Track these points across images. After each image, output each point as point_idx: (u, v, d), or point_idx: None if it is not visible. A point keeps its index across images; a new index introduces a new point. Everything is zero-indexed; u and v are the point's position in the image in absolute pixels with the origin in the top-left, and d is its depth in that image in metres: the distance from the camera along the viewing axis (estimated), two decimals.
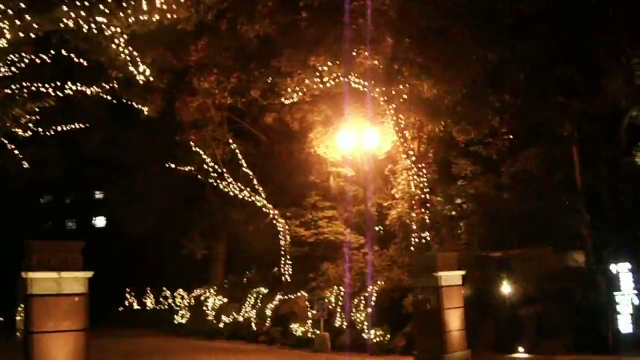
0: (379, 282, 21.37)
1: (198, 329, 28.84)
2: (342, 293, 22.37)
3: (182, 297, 33.94)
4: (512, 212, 23.47)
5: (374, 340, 19.52)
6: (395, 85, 20.82)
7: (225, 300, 28.69)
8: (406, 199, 23.32)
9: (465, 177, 24.22)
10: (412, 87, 20.40)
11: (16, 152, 23.73)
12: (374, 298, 20.92)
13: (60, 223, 57.78)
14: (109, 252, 44.89)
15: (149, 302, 41.91)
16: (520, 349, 17.44)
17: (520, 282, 19.24)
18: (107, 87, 21.59)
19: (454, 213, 24.48)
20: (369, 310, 20.67)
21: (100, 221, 56.86)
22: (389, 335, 19.46)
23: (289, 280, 26.62)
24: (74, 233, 55.58)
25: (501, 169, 24.03)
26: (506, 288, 18.87)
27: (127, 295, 43.99)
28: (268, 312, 25.19)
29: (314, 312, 22.04)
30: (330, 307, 21.79)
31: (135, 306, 43.33)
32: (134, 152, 31.10)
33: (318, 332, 21.35)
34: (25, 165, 24.68)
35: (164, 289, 38.77)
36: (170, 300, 37.88)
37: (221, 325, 27.54)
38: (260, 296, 26.56)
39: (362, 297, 21.29)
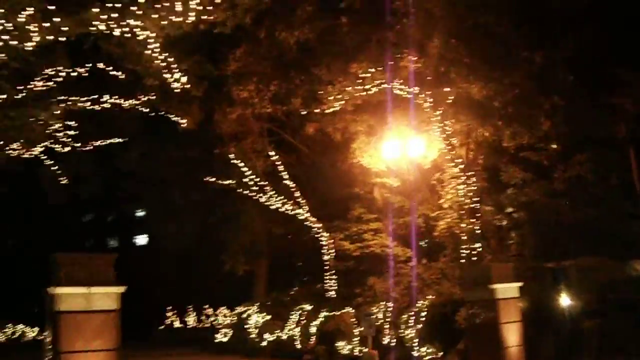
0: (428, 297, 20.42)
1: (240, 347, 28.14)
2: (389, 308, 21.46)
3: (225, 315, 33.43)
4: (566, 220, 22.59)
5: (425, 358, 18.55)
6: (442, 88, 19.90)
7: (268, 317, 27.94)
8: (455, 208, 22.42)
9: (515, 185, 23.33)
10: (461, 89, 19.49)
11: (53, 167, 23.40)
12: (423, 313, 19.97)
13: (101, 241, 57.92)
14: (150, 270, 45.96)
15: (191, 321, 41.53)
16: None
17: (580, 293, 18.14)
18: (144, 98, 21.15)
19: (504, 223, 23.51)
20: (419, 326, 19.75)
21: (141, 239, 56.95)
22: (441, 353, 18.53)
23: (334, 296, 25.78)
24: (115, 251, 54.59)
25: (553, 176, 23.10)
26: (565, 300, 17.81)
27: (168, 314, 43.49)
28: (312, 330, 24.39)
29: (361, 329, 21.17)
30: (378, 323, 20.86)
31: (177, 325, 42.87)
32: (172, 167, 30.65)
33: (366, 350, 20.46)
34: (64, 181, 24.36)
35: (206, 307, 38.37)
36: (212, 319, 37.48)
37: (264, 343, 26.80)
38: (305, 313, 25.76)
39: (411, 313, 20.36)
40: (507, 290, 16.11)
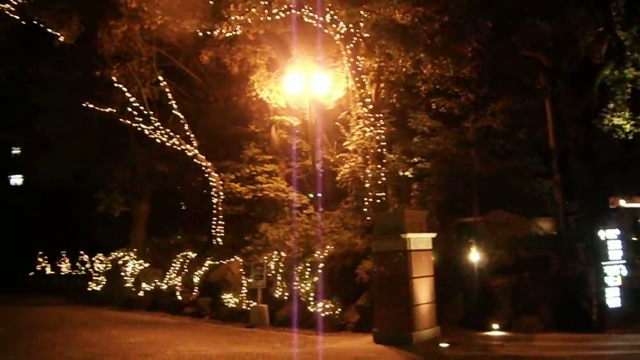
0: (327, 247, 18.24)
1: (115, 297, 25.36)
2: (282, 259, 19.23)
3: (101, 262, 30.21)
4: (474, 173, 21.11)
5: (322, 315, 16.48)
6: (359, 11, 17.53)
7: (147, 265, 25.28)
8: (359, 152, 20.35)
9: (423, 133, 21.47)
10: (382, 15, 17.14)
11: None
12: (321, 265, 17.83)
13: None
14: (23, 213, 43.10)
15: (64, 267, 37.98)
16: (495, 325, 14.77)
17: (491, 249, 16.53)
18: (15, 3, 17.55)
19: (408, 173, 21.66)
20: (315, 279, 17.63)
21: (16, 179, 52.10)
22: (339, 309, 16.50)
23: (220, 243, 23.28)
24: None
25: (464, 125, 21.44)
26: (474, 256, 16.09)
27: (40, 259, 39.78)
28: (196, 280, 21.93)
29: (250, 280, 18.96)
30: (269, 274, 18.59)
31: (49, 271, 39.22)
32: (47, 89, 26.55)
33: (254, 304, 18.25)
34: None
35: (81, 252, 35.01)
36: (87, 266, 34.20)
37: (141, 293, 24.11)
38: (187, 261, 23.26)
39: (307, 264, 18.19)
40: (420, 241, 14.21)
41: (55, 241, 38.73)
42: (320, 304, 16.72)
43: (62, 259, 38.18)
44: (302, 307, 17.44)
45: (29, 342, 14.80)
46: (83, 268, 34.88)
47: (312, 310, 16.98)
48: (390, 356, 12.46)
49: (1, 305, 26.21)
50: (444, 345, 13.22)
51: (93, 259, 32.44)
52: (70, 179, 29.54)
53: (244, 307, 19.00)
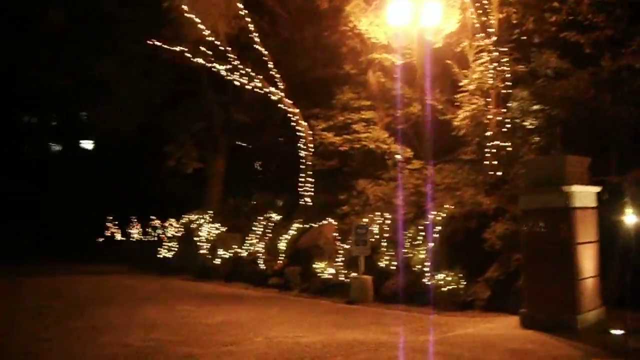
0: (446, 207, 15.28)
1: (188, 266, 23.23)
2: (388, 221, 16.41)
3: (173, 227, 28.27)
4: (613, 122, 17.55)
5: (442, 290, 13.61)
6: None
7: (224, 229, 22.87)
8: (480, 93, 17.19)
9: (547, 76, 18.03)
10: None
11: None
12: (438, 228, 14.93)
13: (44, 146, 52.57)
14: (95, 177, 42.58)
15: (135, 233, 36.50)
16: None
17: None
18: None
19: (528, 123, 18.37)
20: (431, 245, 14.75)
21: (87, 144, 51.86)
22: (463, 283, 13.57)
23: (310, 203, 20.58)
24: (59, 156, 51.46)
25: (601, 64, 17.87)
26: (630, 219, 12.79)
27: (109, 225, 38.47)
28: (281, 246, 19.43)
29: (348, 246, 16.16)
30: (372, 239, 15.77)
31: (119, 237, 37.87)
32: (108, 29, 24.18)
33: (355, 274, 15.52)
34: None
35: (153, 218, 33.33)
36: (160, 231, 32.49)
37: (217, 261, 21.80)
38: (271, 225, 20.70)
39: (420, 227, 15.30)
40: (585, 195, 11.21)
41: (125, 205, 37.44)
42: (439, 276, 13.89)
43: (133, 224, 36.68)
44: (414, 279, 14.72)
45: (83, 321, 12.59)
46: (154, 234, 33.35)
47: (428, 283, 14.20)
48: (555, 348, 9.51)
49: (66, 274, 24.59)
50: (617, 332, 10.15)
51: (165, 223, 30.73)
52: (134, 130, 27.33)
53: (341, 278, 16.38)
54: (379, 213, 16.80)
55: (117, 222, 38.43)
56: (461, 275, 13.71)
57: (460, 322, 11.97)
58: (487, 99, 17.25)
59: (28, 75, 28.66)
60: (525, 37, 18.42)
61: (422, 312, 13.33)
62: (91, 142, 50.74)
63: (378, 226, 16.37)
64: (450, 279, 13.68)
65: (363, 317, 12.82)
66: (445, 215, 15.14)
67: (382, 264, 15.65)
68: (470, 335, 10.51)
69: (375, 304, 14.65)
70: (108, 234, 38.93)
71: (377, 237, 16.14)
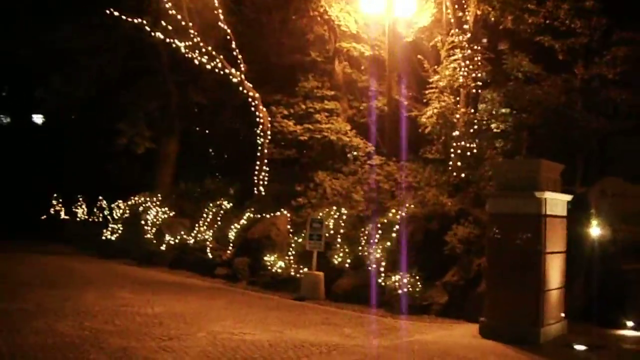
0: (406, 206, 14.64)
1: (132, 250, 22.12)
2: (345, 216, 15.70)
3: (119, 208, 27.03)
4: (584, 130, 17.14)
5: (397, 292, 12.98)
6: None
7: (172, 214, 21.86)
8: (449, 91, 16.66)
9: (517, 79, 17.57)
10: None
11: None
12: (396, 227, 14.28)
13: None
14: (44, 154, 40.57)
15: (80, 213, 35.00)
16: (629, 322, 11.38)
17: (616, 224, 12.84)
18: None
19: (494, 125, 17.92)
20: (388, 244, 14.11)
21: (38, 119, 49.97)
22: (420, 285, 12.92)
23: (263, 193, 19.76)
24: (7, 129, 49.00)
25: (575, 71, 17.43)
26: (594, 231, 12.42)
27: (54, 202, 36.89)
28: (231, 235, 18.57)
29: (302, 240, 15.49)
30: (327, 235, 15.05)
31: (63, 216, 36.29)
32: None
33: (307, 270, 14.77)
34: None
35: (100, 198, 31.96)
36: (106, 212, 31.14)
37: (163, 247, 20.79)
38: (222, 212, 19.81)
39: (377, 226, 14.63)
40: (556, 203, 10.69)
41: (73, 183, 35.86)
42: (394, 277, 13.24)
43: (79, 203, 35.21)
44: (368, 278, 14.00)
45: (14, 303, 11.59)
46: (101, 214, 32.03)
47: (383, 284, 13.52)
48: None
49: (3, 252, 23.23)
50: (580, 347, 9.73)
51: (112, 205, 29.46)
52: (86, 104, 26.02)
53: (291, 272, 15.65)
54: (335, 207, 16.09)
55: (62, 201, 36.81)
56: (418, 277, 13.10)
57: (416, 327, 11.37)
58: (457, 98, 16.75)
59: None
60: (499, 37, 18.05)
61: (376, 313, 12.75)
62: (41, 116, 49.12)
63: (334, 221, 15.64)
64: (406, 280, 13.04)
65: (313, 316, 12.11)
66: (405, 214, 14.49)
67: (335, 261, 14.93)
68: (427, 343, 9.88)
69: (326, 302, 13.96)
70: (52, 212, 37.31)
71: (332, 232, 15.40)
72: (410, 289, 12.93)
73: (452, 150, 15.99)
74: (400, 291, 12.98)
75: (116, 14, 19.91)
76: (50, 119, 44.46)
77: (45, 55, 25.32)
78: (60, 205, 36.82)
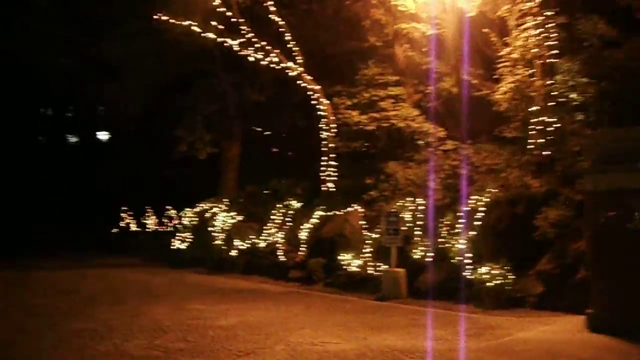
0: (488, 190, 13.53)
1: (202, 257, 21.64)
2: (422, 207, 14.69)
3: (187, 217, 26.70)
4: None
5: (486, 285, 11.89)
6: None
7: (240, 218, 21.23)
8: (523, 63, 15.39)
9: (592, 45, 16.16)
10: None
11: None
12: (479, 214, 13.19)
13: (60, 137, 51.91)
14: (111, 168, 41.47)
15: (150, 223, 35.06)
16: None
17: None
18: None
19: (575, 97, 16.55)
20: (472, 233, 13.02)
21: (104, 136, 51.19)
22: (510, 276, 11.80)
23: (333, 189, 18.89)
24: (75, 148, 50.95)
25: None
26: None
27: (124, 215, 37.07)
28: (303, 236, 17.78)
29: (378, 235, 14.55)
30: (404, 228, 14.07)
31: (134, 228, 36.43)
32: (107, 3, 22.38)
33: (386, 267, 13.85)
34: None
35: (168, 207, 31.89)
36: (175, 221, 30.98)
37: (234, 253, 20.17)
38: (291, 212, 19.09)
39: (458, 214, 13.59)
40: None
41: (140, 195, 36.07)
42: (482, 269, 12.18)
43: (148, 214, 35.27)
44: (453, 272, 13.03)
45: (82, 322, 10.99)
46: (170, 224, 31.90)
47: (470, 277, 12.47)
48: None
49: (76, 267, 23.17)
50: None
51: (180, 213, 29.23)
52: (143, 113, 25.70)
53: (369, 271, 14.71)
54: (410, 198, 15.12)
55: (132, 213, 36.99)
56: (508, 268, 12.01)
57: (512, 324, 10.32)
58: (531, 70, 15.50)
59: (30, 57, 27.08)
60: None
61: (465, 310, 11.77)
62: (107, 133, 50.12)
63: (410, 213, 14.66)
64: (495, 272, 11.97)
65: (398, 317, 11.18)
66: (487, 200, 13.41)
67: (415, 256, 13.95)
68: (529, 341, 8.83)
69: (409, 301, 13.06)
70: (123, 224, 37.51)
71: (410, 225, 14.42)
72: (500, 281, 11.87)
73: (531, 127, 14.79)
74: (489, 284, 11.93)
75: (164, 18, 19.37)
76: (114, 134, 45.48)
77: (95, 66, 25.14)
78: (131, 217, 37.00)
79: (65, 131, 52.54)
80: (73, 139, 53.52)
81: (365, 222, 16.15)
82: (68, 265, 24.26)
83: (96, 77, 25.77)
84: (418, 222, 14.52)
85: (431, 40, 19.25)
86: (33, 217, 47.30)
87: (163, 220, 33.13)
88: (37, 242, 38.59)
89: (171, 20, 19.40)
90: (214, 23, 19.43)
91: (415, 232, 14.32)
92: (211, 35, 19.35)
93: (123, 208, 37.15)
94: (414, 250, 14.00)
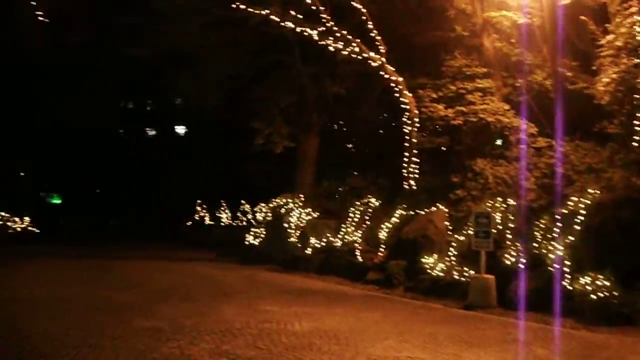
0: (589, 192, 12.26)
1: (276, 254, 21.06)
2: (513, 208, 13.53)
3: (261, 211, 26.20)
4: None
5: (588, 297, 10.66)
6: None
7: (316, 215, 20.50)
8: (625, 53, 14.01)
9: None
10: None
11: None
12: (580, 218, 11.94)
13: (140, 130, 54.61)
14: (187, 161, 43.08)
15: (224, 218, 34.84)
16: None
17: None
18: None
19: None
20: (571, 238, 11.77)
21: (181, 129, 52.83)
22: (617, 289, 10.51)
23: (414, 187, 17.85)
24: (153, 140, 53.54)
25: None
26: None
27: (198, 208, 37.03)
28: (382, 236, 16.81)
29: (464, 238, 13.48)
30: (494, 231, 12.94)
31: (208, 221, 36.30)
32: None
33: (474, 273, 12.74)
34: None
35: (242, 202, 31.58)
36: (249, 216, 30.64)
37: (308, 251, 19.46)
38: (370, 210, 18.10)
39: (555, 217, 12.34)
40: None
41: (215, 189, 36.11)
42: (583, 280, 10.95)
43: (222, 208, 35.04)
44: (548, 281, 11.81)
45: (150, 320, 10.41)
46: (244, 218, 31.56)
47: (569, 287, 11.26)
48: None
49: (148, 259, 23.04)
50: None
51: (255, 208, 28.76)
52: (220, 104, 25.28)
53: (455, 276, 13.65)
54: (501, 199, 13.96)
55: (206, 206, 36.92)
56: (614, 279, 10.75)
57: (622, 344, 9.17)
58: (637, 59, 14.10)
59: (109, 48, 27.14)
60: None
61: (564, 325, 10.54)
62: (184, 127, 51.16)
63: (501, 215, 13.52)
64: (599, 283, 10.74)
65: (490, 330, 10.09)
66: (589, 202, 12.15)
67: (507, 261, 12.80)
68: None
69: (499, 311, 11.94)
70: (197, 218, 37.46)
71: (500, 228, 13.29)
72: (606, 294, 10.64)
73: (638, 122, 13.43)
74: (593, 296, 10.71)
75: (242, 7, 18.75)
76: (190, 127, 45.88)
77: (172, 58, 24.86)
78: (205, 211, 36.90)
79: (144, 124, 53.69)
80: (151, 132, 54.65)
81: (450, 223, 15.08)
82: (141, 256, 24.29)
83: (174, 69, 25.53)
84: (509, 225, 13.37)
85: (521, 29, 18.06)
86: (110, 208, 48.43)
87: (237, 214, 32.92)
88: (113, 233, 39.20)
89: (249, 9, 18.80)
90: (292, 12, 18.76)
91: (507, 236, 13.17)
92: (290, 24, 18.64)
93: (198, 201, 37.17)
94: (505, 256, 12.85)
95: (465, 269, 13.41)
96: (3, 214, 40.74)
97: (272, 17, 18.76)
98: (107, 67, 36.39)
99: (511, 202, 13.78)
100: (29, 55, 29.16)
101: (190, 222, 37.64)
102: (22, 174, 50.85)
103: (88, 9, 21.84)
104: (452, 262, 13.95)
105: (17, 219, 42.03)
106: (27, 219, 42.94)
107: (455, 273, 13.71)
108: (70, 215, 48.36)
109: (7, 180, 44.36)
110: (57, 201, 54.25)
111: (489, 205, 13.92)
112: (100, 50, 29.38)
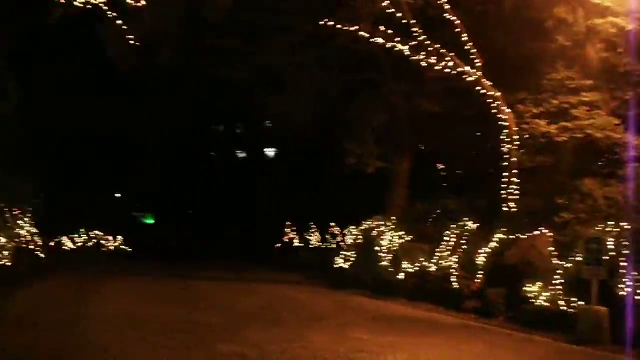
0: None
1: (366, 279, 20.32)
2: (627, 233, 12.34)
3: (352, 234, 25.59)
4: None
5: None
6: None
7: (409, 238, 19.62)
8: None
9: None
10: None
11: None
12: None
13: (230, 153, 55.72)
14: (276, 183, 43.60)
15: (314, 240, 34.56)
16: None
17: None
18: None
19: None
20: None
21: (271, 152, 53.05)
22: None
23: (515, 209, 16.77)
24: (243, 163, 54.69)
25: None
26: None
27: (287, 230, 36.87)
28: (480, 261, 15.77)
29: (571, 265, 12.37)
30: (607, 257, 11.78)
31: (297, 244, 36.07)
32: (274, 12, 21.69)
33: (584, 304, 11.59)
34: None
35: (332, 224, 31.12)
36: (339, 239, 30.16)
37: (401, 276, 18.55)
38: (467, 234, 17.14)
39: None
40: None
41: (304, 210, 35.80)
42: None
43: (311, 230, 34.71)
44: None
45: (233, 345, 9.84)
46: (334, 241, 31.07)
47: None
48: None
49: (235, 280, 22.83)
50: None
51: (345, 230, 28.20)
52: (310, 124, 24.93)
53: (561, 307, 12.49)
54: (613, 223, 12.75)
55: (295, 228, 36.68)
56: None
57: None
58: None
59: (202, 70, 27.40)
60: None
61: None
62: (274, 150, 51.38)
63: (614, 240, 12.31)
64: None
65: None
66: None
67: (621, 292, 11.59)
68: None
69: (613, 348, 10.85)
70: (286, 240, 37.27)
71: (614, 254, 12.09)
72: None
73: None
74: None
75: (331, 24, 18.30)
76: (280, 149, 46.20)
77: (261, 79, 24.74)
78: (294, 232, 36.69)
79: (234, 147, 54.38)
80: (242, 155, 55.40)
81: (554, 249, 13.95)
82: (228, 277, 24.18)
83: (263, 89, 25.42)
84: (624, 251, 12.17)
85: (630, 37, 16.79)
86: (201, 229, 49.19)
87: (326, 237, 32.50)
88: (201, 253, 39.65)
89: (338, 26, 18.33)
90: (382, 28, 18.17)
91: (621, 264, 11.98)
92: (380, 40, 18.00)
93: (287, 223, 37.00)
94: (619, 286, 11.66)
95: (573, 299, 12.28)
96: (97, 232, 42.05)
97: (362, 33, 18.19)
98: (197, 90, 37.05)
99: (625, 225, 12.57)
100: (122, 79, 29.82)
101: (279, 244, 37.52)
102: (117, 195, 52.54)
103: (177, 32, 21.94)
104: (558, 292, 12.82)
105: (110, 238, 43.35)
106: (120, 238, 44.22)
107: (561, 303, 12.57)
108: (161, 235, 49.56)
109: (102, 201, 45.77)
110: (150, 221, 55.72)
111: (600, 229, 12.78)
112: (190, 72, 29.84)
